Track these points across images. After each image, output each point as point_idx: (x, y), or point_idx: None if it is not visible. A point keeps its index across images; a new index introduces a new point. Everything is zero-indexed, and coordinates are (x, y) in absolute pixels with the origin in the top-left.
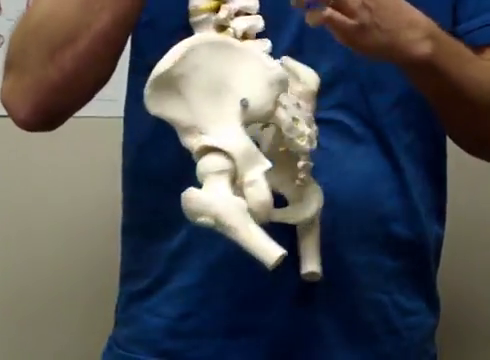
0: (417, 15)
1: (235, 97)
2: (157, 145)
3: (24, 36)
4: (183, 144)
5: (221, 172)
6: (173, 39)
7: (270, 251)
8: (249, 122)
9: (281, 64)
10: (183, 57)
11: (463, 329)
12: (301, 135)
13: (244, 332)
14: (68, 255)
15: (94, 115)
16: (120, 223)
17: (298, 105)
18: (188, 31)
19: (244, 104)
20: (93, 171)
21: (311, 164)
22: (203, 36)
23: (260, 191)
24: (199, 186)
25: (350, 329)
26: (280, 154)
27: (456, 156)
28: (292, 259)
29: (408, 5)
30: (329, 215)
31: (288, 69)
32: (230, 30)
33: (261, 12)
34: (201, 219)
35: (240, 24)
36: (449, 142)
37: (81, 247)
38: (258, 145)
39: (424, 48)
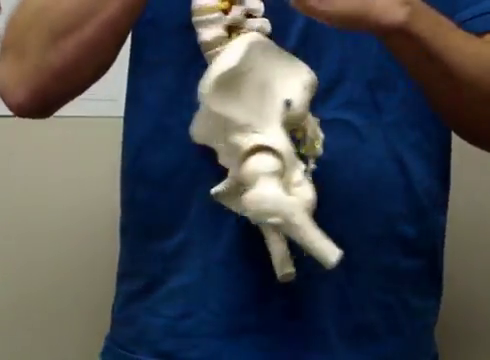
0: None
1: (278, 98)
2: (156, 145)
3: (25, 19)
4: (231, 142)
5: (275, 172)
6: (175, 39)
7: (332, 250)
8: (286, 123)
9: None
10: (245, 54)
11: (462, 329)
12: (317, 138)
13: (244, 332)
14: (68, 255)
15: (94, 115)
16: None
17: None
18: (190, 31)
19: (288, 104)
20: (93, 171)
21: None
22: (256, 35)
23: (308, 190)
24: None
25: (353, 330)
26: None
27: (455, 155)
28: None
29: None
30: (334, 215)
31: None
32: (242, 31)
33: (265, 12)
34: (272, 220)
35: (253, 25)
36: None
37: (81, 246)
38: None
39: (398, 15)
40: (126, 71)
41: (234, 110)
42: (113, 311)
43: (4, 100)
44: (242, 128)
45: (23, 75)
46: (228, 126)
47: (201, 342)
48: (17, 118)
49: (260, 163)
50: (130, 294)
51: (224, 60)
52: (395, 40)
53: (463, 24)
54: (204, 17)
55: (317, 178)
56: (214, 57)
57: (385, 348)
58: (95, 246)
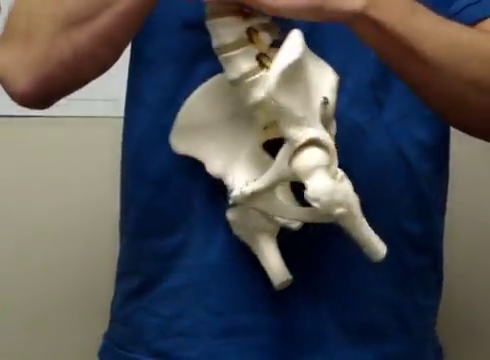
0: None
1: (318, 95)
2: (156, 144)
3: (37, 5)
4: (285, 134)
5: (328, 166)
6: (176, 38)
7: (382, 245)
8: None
9: None
10: (303, 48)
11: (461, 328)
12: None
13: (241, 332)
14: (68, 254)
15: (94, 115)
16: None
17: None
18: (191, 30)
19: (326, 102)
20: (93, 171)
21: None
22: (298, 31)
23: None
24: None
25: (360, 328)
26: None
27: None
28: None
29: None
30: None
31: None
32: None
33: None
34: (340, 210)
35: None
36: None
37: (81, 246)
38: None
39: (355, 1)
40: (126, 71)
41: (293, 103)
42: (112, 309)
43: (6, 87)
44: (298, 121)
45: (30, 62)
46: (287, 118)
47: (198, 342)
48: (17, 118)
49: (316, 156)
50: (128, 293)
51: (289, 52)
52: (357, 26)
53: (456, 16)
54: (232, 53)
55: None
56: (230, 61)
57: (393, 346)
58: (95, 245)
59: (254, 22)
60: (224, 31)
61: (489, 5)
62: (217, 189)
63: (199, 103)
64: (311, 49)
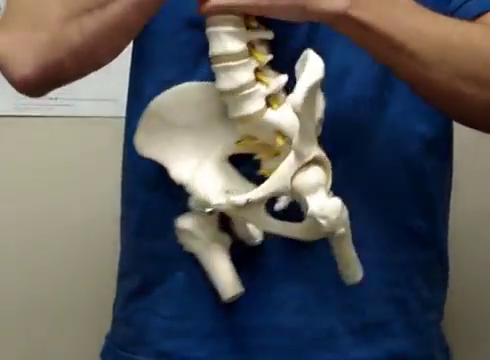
0: None
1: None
2: None
3: None
4: (295, 149)
5: (326, 184)
6: (179, 36)
7: (360, 267)
8: None
9: None
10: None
11: (465, 327)
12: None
13: (244, 332)
14: (69, 255)
15: (94, 115)
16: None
17: None
18: (194, 29)
19: (321, 123)
20: (93, 171)
21: None
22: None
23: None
24: None
25: (366, 326)
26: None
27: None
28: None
29: None
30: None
31: None
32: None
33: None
34: (342, 230)
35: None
36: None
37: (82, 246)
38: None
39: (336, 2)
40: (126, 71)
41: (309, 120)
42: (114, 311)
43: (5, 72)
44: (310, 138)
45: (37, 46)
46: (300, 135)
47: (200, 342)
48: (17, 118)
49: (320, 174)
50: (129, 294)
51: (314, 71)
52: (340, 27)
53: (455, 12)
54: (231, 63)
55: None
56: (219, 72)
57: (400, 343)
58: (96, 245)
59: (254, 36)
60: (229, 40)
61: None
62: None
63: (165, 106)
64: (313, 48)
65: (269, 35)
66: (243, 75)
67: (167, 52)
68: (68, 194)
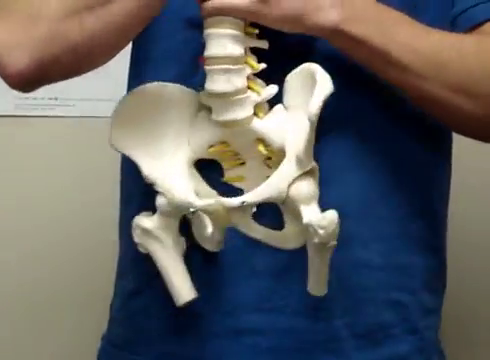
0: None
1: None
2: None
3: None
4: (299, 157)
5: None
6: (179, 36)
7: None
8: None
9: None
10: None
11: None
12: None
13: (245, 332)
14: (69, 256)
15: (94, 115)
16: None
17: None
18: (192, 32)
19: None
20: (93, 171)
21: None
22: None
23: None
24: None
25: (368, 330)
26: None
27: None
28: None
29: None
30: (347, 215)
31: None
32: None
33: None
34: (334, 242)
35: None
36: None
37: (81, 246)
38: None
39: (328, 17)
40: (126, 71)
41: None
42: (111, 311)
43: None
44: (312, 149)
45: (33, 41)
46: (308, 145)
47: (201, 341)
48: (17, 118)
49: (315, 185)
50: (127, 293)
51: (326, 83)
52: (333, 40)
53: (456, 19)
54: (222, 66)
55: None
56: (214, 73)
57: (401, 348)
58: (94, 246)
59: (250, 43)
60: (231, 43)
61: (487, 8)
62: (215, 190)
63: (136, 104)
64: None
65: (265, 45)
66: (239, 80)
67: (166, 53)
68: (68, 194)
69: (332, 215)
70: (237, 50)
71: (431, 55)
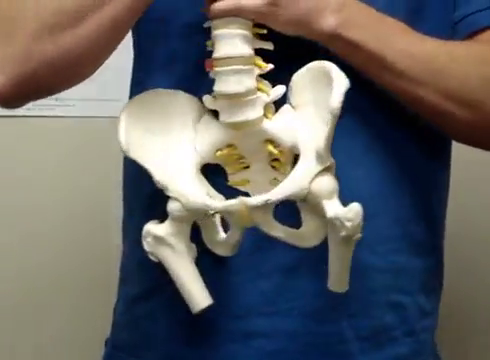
0: None
1: None
2: None
3: (19, 4)
4: (318, 153)
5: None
6: (184, 38)
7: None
8: None
9: None
10: None
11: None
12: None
13: (251, 337)
14: (69, 257)
15: (95, 115)
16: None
17: None
18: (197, 36)
19: None
20: (93, 171)
21: None
22: None
23: None
24: None
25: (370, 332)
26: None
27: None
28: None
29: None
30: None
31: None
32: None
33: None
34: (360, 234)
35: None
36: None
37: (82, 248)
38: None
39: (327, 22)
40: (127, 71)
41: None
42: (114, 315)
43: None
44: (330, 144)
45: (9, 59)
46: (327, 141)
47: (210, 345)
48: (17, 118)
49: (334, 180)
50: (132, 298)
51: (343, 81)
52: (331, 45)
53: (456, 25)
54: (232, 67)
55: None
56: (225, 75)
57: (400, 350)
58: (97, 248)
59: (258, 44)
60: (242, 43)
61: (487, 15)
62: (221, 194)
63: (142, 109)
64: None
65: (270, 46)
66: (249, 80)
67: (171, 58)
68: (68, 194)
69: (357, 207)
70: (247, 50)
71: (426, 61)
